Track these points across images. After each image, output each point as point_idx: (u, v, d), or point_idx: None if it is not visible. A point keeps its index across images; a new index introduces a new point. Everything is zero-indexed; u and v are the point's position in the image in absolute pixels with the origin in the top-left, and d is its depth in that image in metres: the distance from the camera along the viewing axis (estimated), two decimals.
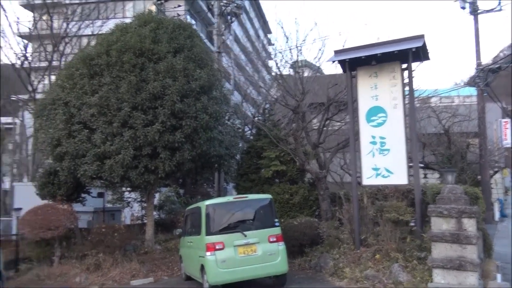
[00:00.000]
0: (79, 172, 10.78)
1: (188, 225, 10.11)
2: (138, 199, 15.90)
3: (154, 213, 14.28)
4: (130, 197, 15.68)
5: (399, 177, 9.17)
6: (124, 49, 10.93)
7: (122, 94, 10.47)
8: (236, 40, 36.53)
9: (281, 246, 8.53)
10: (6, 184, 21.24)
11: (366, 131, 9.59)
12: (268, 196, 9.24)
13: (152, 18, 12.12)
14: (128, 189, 14.08)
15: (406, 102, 9.40)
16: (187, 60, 11.26)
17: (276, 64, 13.30)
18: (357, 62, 9.68)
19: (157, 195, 15.61)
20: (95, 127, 10.68)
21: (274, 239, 8.49)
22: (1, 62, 22.23)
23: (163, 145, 10.64)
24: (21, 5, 30.30)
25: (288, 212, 12.48)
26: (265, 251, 8.33)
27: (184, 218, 10.64)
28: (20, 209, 12.01)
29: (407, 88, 9.45)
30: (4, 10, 28.44)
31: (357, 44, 9.98)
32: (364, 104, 9.69)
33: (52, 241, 11.58)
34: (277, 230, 8.64)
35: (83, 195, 13.39)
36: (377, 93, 9.54)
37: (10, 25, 41.29)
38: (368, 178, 9.51)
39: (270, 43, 42.13)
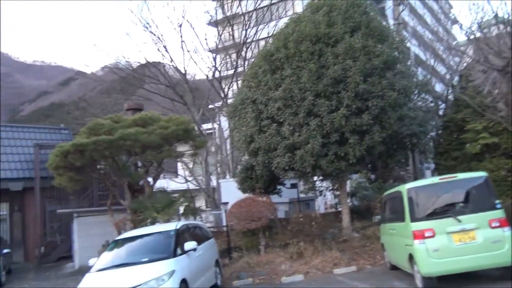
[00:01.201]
0: (273, 165, 11.21)
1: (387, 212, 9.43)
2: (330, 188, 15.83)
3: (347, 200, 13.98)
4: (322, 186, 15.74)
5: None
6: (300, 38, 10.92)
7: (304, 84, 10.44)
8: (412, 11, 33.56)
9: (507, 232, 7.13)
10: (214, 182, 23.99)
11: None
12: (483, 174, 7.87)
13: (323, 3, 11.82)
14: (320, 178, 14.10)
15: None
16: (365, 37, 10.61)
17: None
18: None
19: (348, 182, 15.27)
20: (282, 120, 10.94)
21: (497, 224, 7.14)
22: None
23: (350, 130, 10.22)
24: (207, 23, 34.11)
25: (506, 192, 10.57)
26: (486, 238, 7.08)
27: (383, 204, 9.98)
28: (226, 203, 13.22)
29: None
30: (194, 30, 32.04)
31: None
32: None
33: (257, 231, 12.34)
34: (499, 213, 7.26)
35: (278, 186, 13.97)
36: None
37: (200, 43, 46.90)
38: None
39: (450, 8, 37.39)
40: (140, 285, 7.21)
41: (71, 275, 14.31)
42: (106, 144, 11.70)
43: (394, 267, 9.30)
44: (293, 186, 16.07)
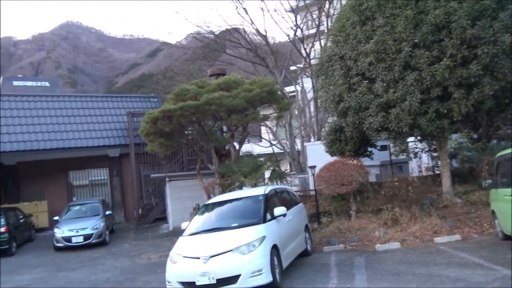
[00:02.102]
0: (364, 126, 10.42)
1: (501, 175, 8.27)
2: (426, 149, 14.59)
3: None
4: (417, 148, 14.55)
5: None
6: None
7: (399, 34, 9.35)
8: None
9: None
10: (298, 145, 23.60)
11: None
12: None
13: None
14: (418, 138, 12.97)
15: None
16: None
17: None
18: None
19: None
20: (374, 76, 10.01)
21: None
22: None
23: (455, 83, 9.02)
24: None
25: None
26: None
27: (495, 167, 8.79)
28: (314, 166, 12.73)
29: None
30: None
31: None
32: None
33: (347, 196, 11.77)
34: None
35: (369, 149, 13.14)
36: None
37: (281, 2, 45.44)
38: None
39: None
40: (231, 250, 7.12)
41: (166, 236, 15.03)
42: (192, 109, 11.72)
43: (507, 237, 8.23)
44: (383, 148, 15.08)
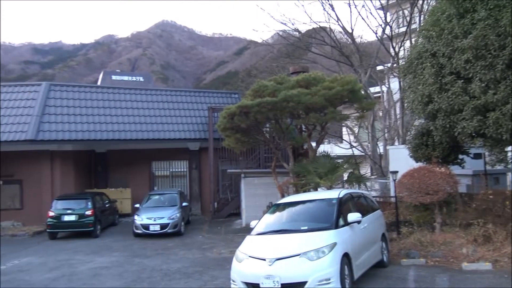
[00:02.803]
0: (456, 130, 9.39)
1: None
2: None
3: None
4: None
5: None
6: None
7: (505, 27, 8.22)
8: None
9: None
10: (380, 149, 22.39)
11: None
12: None
13: None
14: None
15: None
16: None
17: None
18: None
19: None
20: (471, 75, 8.93)
21: None
22: None
23: None
24: None
25: None
26: None
27: None
28: (396, 172, 11.84)
29: None
30: None
31: None
32: None
33: (431, 206, 10.76)
34: None
35: (460, 156, 11.90)
36: None
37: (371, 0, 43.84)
38: None
39: None
40: (299, 254, 6.75)
41: (239, 232, 15.03)
42: (269, 105, 11.49)
43: None
44: (477, 156, 13.62)
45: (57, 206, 15.22)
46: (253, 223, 8.61)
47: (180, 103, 20.90)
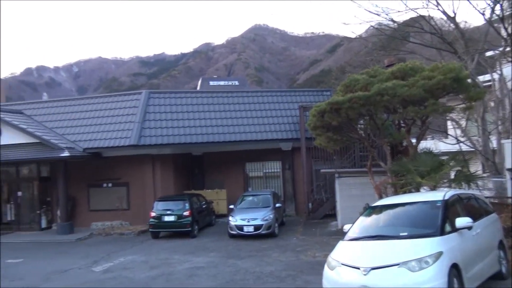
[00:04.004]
0: None
1: None
2: None
3: None
4: None
5: None
6: None
7: None
8: None
9: None
10: (494, 143, 19.99)
11: None
12: None
13: None
14: None
15: None
16: None
17: None
18: None
19: None
20: None
21: None
22: None
23: None
24: None
25: None
26: None
27: None
28: None
29: None
30: None
31: None
32: None
33: None
34: None
35: None
36: None
37: None
38: None
39: None
40: (398, 264, 6.03)
41: (334, 234, 14.41)
42: (361, 100, 10.71)
43: None
44: None
45: (158, 207, 16.02)
46: (346, 227, 8.02)
47: (272, 104, 20.83)
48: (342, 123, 11.76)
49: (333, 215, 17.92)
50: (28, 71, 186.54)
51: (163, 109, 19.49)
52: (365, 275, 6.12)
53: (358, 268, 6.26)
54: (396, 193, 11.56)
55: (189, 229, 15.65)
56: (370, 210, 8.20)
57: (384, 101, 10.62)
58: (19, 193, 19.66)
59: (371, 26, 24.87)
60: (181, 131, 18.82)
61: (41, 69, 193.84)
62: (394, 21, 22.87)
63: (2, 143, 18.35)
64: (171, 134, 18.57)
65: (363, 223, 7.80)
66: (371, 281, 6.02)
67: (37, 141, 17.80)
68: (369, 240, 7.04)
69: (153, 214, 15.88)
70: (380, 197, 11.97)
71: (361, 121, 13.11)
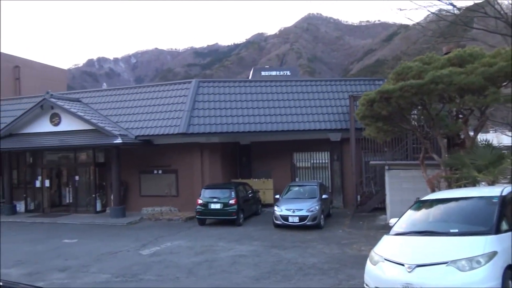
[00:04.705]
0: None
1: None
2: None
3: None
4: None
5: None
6: None
7: None
8: None
9: None
10: None
11: None
12: None
13: None
14: None
15: None
16: None
17: None
18: None
19: None
20: None
21: None
22: None
23: None
24: None
25: None
26: None
27: None
28: None
29: None
30: None
31: None
32: None
33: None
34: None
35: None
36: None
37: None
38: None
39: None
40: (446, 262, 5.65)
41: (382, 228, 13.88)
42: (414, 89, 10.12)
43: None
44: None
45: (205, 195, 16.24)
46: (392, 221, 7.65)
47: (321, 93, 20.36)
48: (393, 113, 11.22)
49: (382, 209, 17.30)
50: (90, 62, 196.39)
51: (212, 98, 19.63)
52: (409, 272, 5.78)
53: (403, 265, 5.93)
54: (449, 187, 10.91)
55: (235, 217, 15.74)
56: (419, 204, 7.77)
57: (439, 89, 9.98)
58: (77, 178, 20.71)
59: (430, 12, 23.60)
60: (229, 120, 18.88)
61: (102, 60, 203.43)
62: (453, 6, 21.54)
63: (61, 130, 19.38)
64: (219, 123, 18.69)
65: (411, 217, 7.40)
66: (416, 279, 5.68)
67: (93, 128, 18.60)
68: (416, 235, 6.66)
69: (200, 201, 16.12)
70: (433, 191, 11.36)
71: (414, 111, 12.46)
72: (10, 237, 15.29)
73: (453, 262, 5.59)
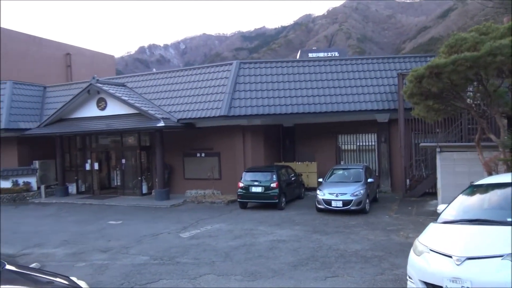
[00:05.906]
0: None
1: None
2: None
3: None
4: None
5: None
6: None
7: None
8: None
9: None
10: None
11: None
12: None
13: None
14: None
15: None
16: None
17: None
18: None
19: None
20: None
21: None
22: None
23: None
24: None
25: None
26: None
27: None
28: None
29: None
30: None
31: None
32: None
33: None
34: None
35: None
36: None
37: None
38: None
39: None
40: (500, 256, 4.99)
41: (432, 215, 13.01)
42: (468, 62, 9.16)
43: None
44: None
45: (246, 178, 16.00)
46: (440, 207, 6.97)
47: (367, 72, 19.33)
48: (444, 89, 10.29)
49: (433, 194, 16.31)
50: (141, 50, 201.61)
51: (253, 79, 19.21)
52: (458, 265, 5.16)
53: (450, 257, 5.30)
54: (509, 171, 9.91)
55: (276, 201, 15.40)
56: (472, 189, 7.01)
57: (497, 62, 8.97)
58: (123, 161, 21.20)
59: None
60: (271, 102, 18.42)
61: (152, 47, 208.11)
62: None
63: (107, 114, 19.81)
64: (261, 104, 18.28)
65: (463, 204, 6.69)
66: (465, 272, 5.05)
67: (137, 112, 18.83)
68: (467, 224, 5.97)
69: (241, 184, 15.91)
70: (490, 175, 10.41)
71: (469, 88, 11.41)
72: (61, 218, 15.93)
73: (509, 255, 4.91)
